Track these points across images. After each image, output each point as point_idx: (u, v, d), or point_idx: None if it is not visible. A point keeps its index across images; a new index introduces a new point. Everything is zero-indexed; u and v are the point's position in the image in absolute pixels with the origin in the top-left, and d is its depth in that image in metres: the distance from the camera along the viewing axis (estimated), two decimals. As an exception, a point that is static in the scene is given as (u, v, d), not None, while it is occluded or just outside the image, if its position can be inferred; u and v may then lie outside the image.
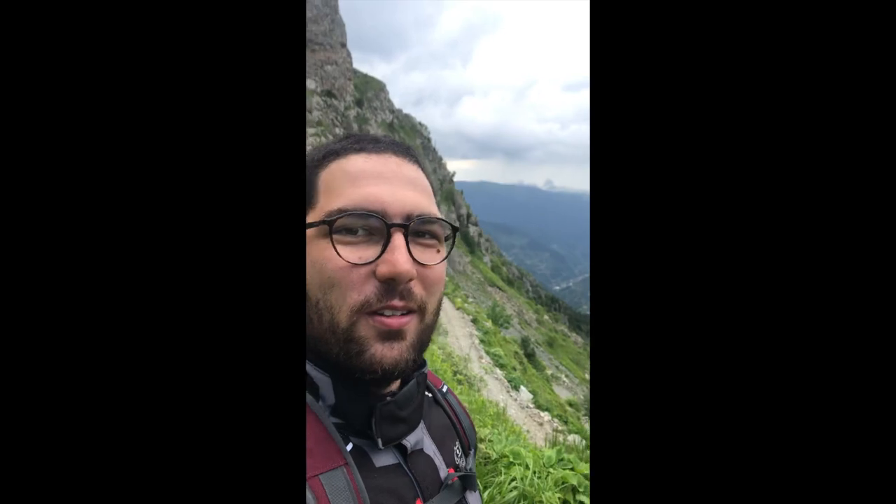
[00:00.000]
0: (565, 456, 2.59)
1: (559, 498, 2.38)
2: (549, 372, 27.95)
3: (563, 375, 29.80)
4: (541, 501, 2.26)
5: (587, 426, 15.82)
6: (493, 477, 2.59)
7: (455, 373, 6.53)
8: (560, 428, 13.05)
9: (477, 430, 3.10)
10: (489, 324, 20.25)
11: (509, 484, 2.43)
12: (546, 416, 13.68)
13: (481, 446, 2.87)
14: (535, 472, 2.47)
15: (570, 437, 12.38)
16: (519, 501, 2.40)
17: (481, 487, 2.48)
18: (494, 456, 2.79)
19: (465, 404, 3.60)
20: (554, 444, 2.95)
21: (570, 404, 21.16)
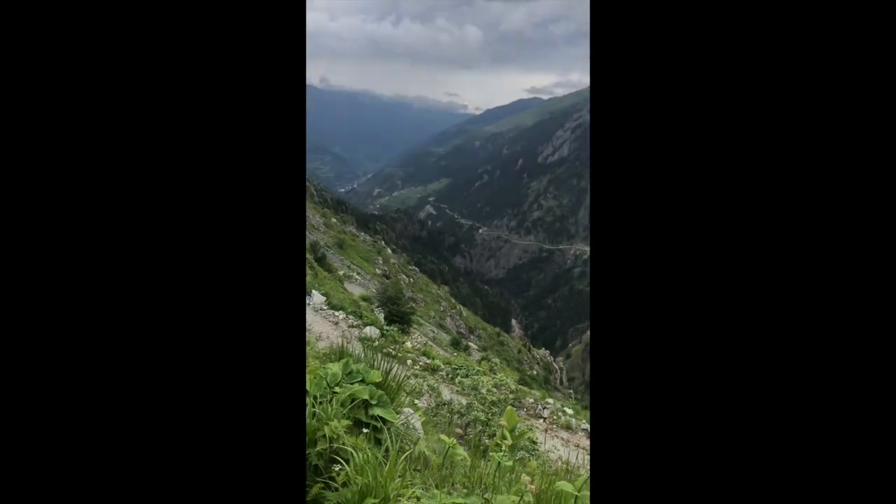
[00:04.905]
0: (353, 368, 2.09)
1: (351, 417, 1.89)
2: (340, 272, 28.17)
3: (354, 273, 30.53)
4: (326, 435, 1.72)
5: (381, 317, 16.53)
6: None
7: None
8: (355, 323, 13.26)
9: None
10: (271, 231, 18.65)
11: (283, 421, 1.83)
12: (340, 314, 13.71)
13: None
14: (317, 398, 1.91)
15: (366, 329, 12.69)
16: (313, 433, 1.82)
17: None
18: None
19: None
20: (341, 355, 2.40)
21: (364, 299, 21.87)
